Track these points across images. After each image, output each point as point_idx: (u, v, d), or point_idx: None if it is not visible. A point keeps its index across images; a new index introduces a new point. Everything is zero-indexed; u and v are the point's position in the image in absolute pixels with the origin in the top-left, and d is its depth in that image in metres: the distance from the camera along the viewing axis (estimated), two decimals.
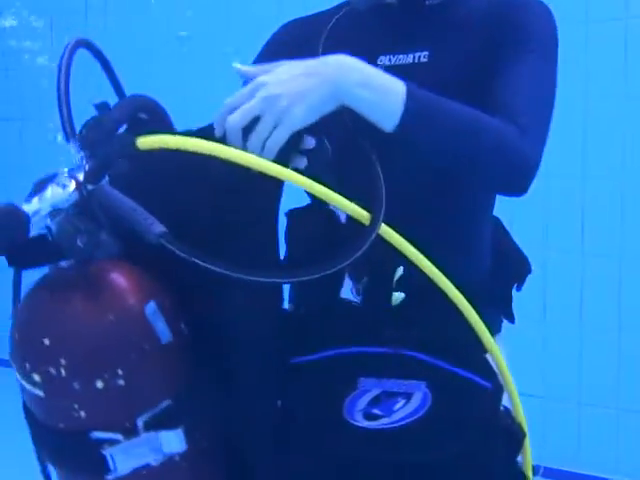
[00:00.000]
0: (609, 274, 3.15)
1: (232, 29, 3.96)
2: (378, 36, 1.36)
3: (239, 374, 1.10)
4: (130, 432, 1.02)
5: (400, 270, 1.16)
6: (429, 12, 1.33)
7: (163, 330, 1.03)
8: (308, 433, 1.19)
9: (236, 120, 1.02)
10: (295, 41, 1.43)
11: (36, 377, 1.01)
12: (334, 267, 1.00)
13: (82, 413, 1.01)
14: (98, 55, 1.21)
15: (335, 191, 1.03)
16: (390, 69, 1.26)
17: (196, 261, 0.96)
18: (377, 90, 1.10)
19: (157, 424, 1.03)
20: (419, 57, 1.32)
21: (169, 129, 1.15)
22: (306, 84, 1.05)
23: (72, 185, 1.00)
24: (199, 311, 1.08)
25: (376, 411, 1.13)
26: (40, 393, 1.01)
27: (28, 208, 0.98)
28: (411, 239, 1.08)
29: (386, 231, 1.06)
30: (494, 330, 1.37)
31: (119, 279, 1.03)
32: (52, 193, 1.00)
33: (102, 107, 1.08)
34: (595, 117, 3.14)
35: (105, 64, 1.22)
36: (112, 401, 1.01)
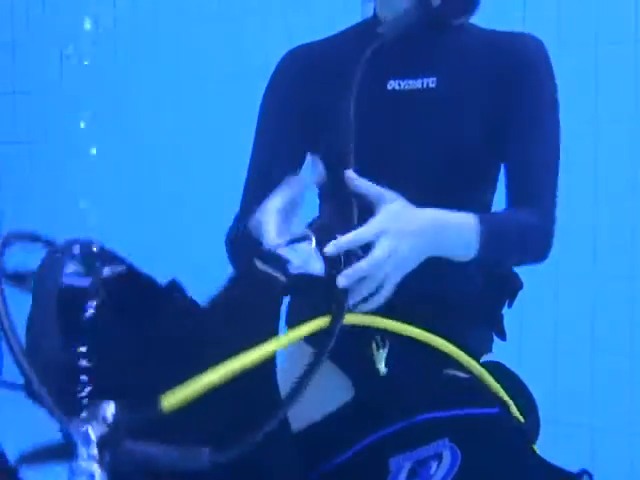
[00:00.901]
0: (621, 297, 3.12)
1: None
2: (387, 61, 1.39)
3: None
4: None
5: (384, 352, 1.18)
6: (436, 40, 1.39)
7: None
8: None
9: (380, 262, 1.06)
10: (306, 71, 1.48)
11: None
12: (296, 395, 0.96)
13: None
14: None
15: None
16: (399, 93, 1.40)
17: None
18: (461, 236, 1.19)
19: None
20: (427, 83, 1.38)
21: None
22: (416, 245, 1.10)
23: (96, 470, 0.86)
24: None
25: None
26: None
27: None
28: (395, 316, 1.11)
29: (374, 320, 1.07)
30: (485, 349, 1.39)
31: None
32: None
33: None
34: (606, 139, 3.13)
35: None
36: None
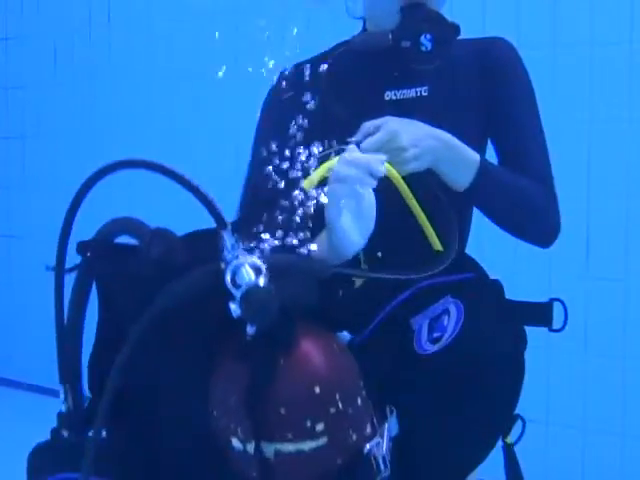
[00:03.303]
0: (614, 298, 3.13)
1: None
2: (381, 74, 1.57)
3: None
4: (376, 430, 1.18)
5: None
6: (424, 53, 1.54)
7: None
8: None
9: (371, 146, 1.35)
10: (299, 86, 1.55)
11: (320, 427, 1.09)
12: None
13: (354, 436, 1.13)
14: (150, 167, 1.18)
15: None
16: (396, 103, 1.56)
17: (370, 275, 1.26)
18: (459, 162, 1.44)
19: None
20: (420, 92, 1.56)
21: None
22: (423, 148, 1.38)
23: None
24: None
25: (436, 334, 1.31)
26: (323, 441, 1.10)
27: None
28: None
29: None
30: None
31: (313, 326, 1.16)
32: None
33: None
34: (600, 139, 3.14)
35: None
36: (365, 410, 1.16)
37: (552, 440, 3.22)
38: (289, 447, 1.10)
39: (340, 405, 1.11)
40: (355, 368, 1.17)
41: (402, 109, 1.52)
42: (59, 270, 1.16)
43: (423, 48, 1.51)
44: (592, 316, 3.15)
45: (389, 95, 1.56)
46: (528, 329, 1.44)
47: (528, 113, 1.57)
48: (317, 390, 1.09)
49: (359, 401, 1.15)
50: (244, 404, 1.10)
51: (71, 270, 1.17)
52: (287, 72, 1.60)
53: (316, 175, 1.26)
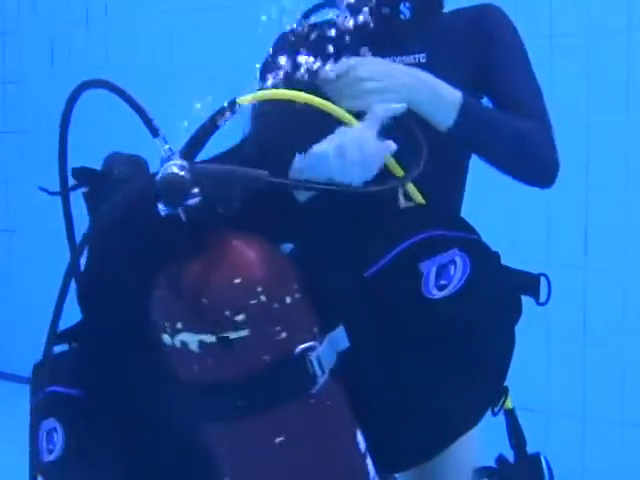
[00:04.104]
0: (612, 288, 3.14)
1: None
2: (382, 41, 1.61)
3: None
4: (315, 337, 1.19)
5: None
6: (420, 23, 1.63)
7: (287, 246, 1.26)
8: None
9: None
10: (296, 52, 1.59)
11: (240, 317, 1.11)
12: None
13: (283, 334, 1.14)
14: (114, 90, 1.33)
15: None
16: None
17: (308, 186, 1.25)
18: (439, 101, 1.46)
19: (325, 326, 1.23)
20: (419, 58, 1.62)
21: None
22: (393, 84, 1.42)
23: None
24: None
25: (443, 282, 1.35)
26: (244, 333, 1.12)
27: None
28: None
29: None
30: None
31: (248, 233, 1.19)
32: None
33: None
34: (598, 129, 3.14)
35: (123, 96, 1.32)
36: (299, 311, 1.18)
37: (551, 429, 3.23)
38: (212, 338, 1.12)
39: (263, 298, 1.13)
40: (287, 270, 1.19)
41: None
42: (64, 190, 1.34)
43: (402, 16, 1.61)
44: (591, 305, 3.17)
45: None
46: (528, 324, 1.45)
47: (517, 61, 1.61)
48: (237, 280, 1.12)
49: (288, 300, 1.16)
50: (170, 298, 1.14)
51: (72, 189, 1.34)
52: (284, 39, 1.67)
53: (254, 95, 1.31)
